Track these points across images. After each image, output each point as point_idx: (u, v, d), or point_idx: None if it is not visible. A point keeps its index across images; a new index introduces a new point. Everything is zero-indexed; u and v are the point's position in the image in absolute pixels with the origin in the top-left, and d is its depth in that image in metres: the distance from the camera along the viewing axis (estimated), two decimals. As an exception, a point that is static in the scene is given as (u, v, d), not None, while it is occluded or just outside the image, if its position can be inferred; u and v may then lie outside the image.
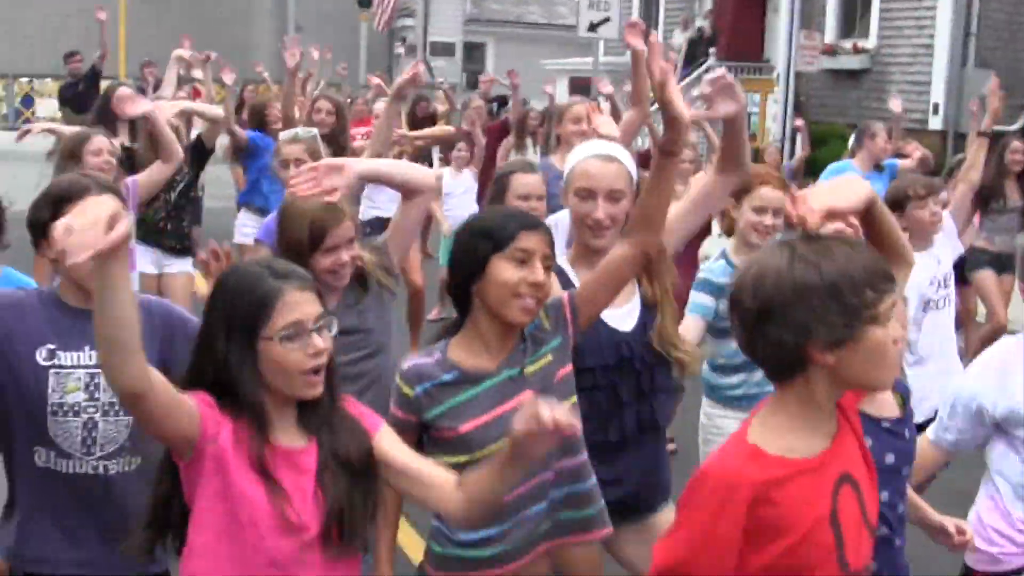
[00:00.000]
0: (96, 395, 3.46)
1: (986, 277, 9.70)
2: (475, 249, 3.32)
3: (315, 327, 2.87)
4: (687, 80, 25.14)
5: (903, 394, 3.53)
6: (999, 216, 9.73)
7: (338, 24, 33.69)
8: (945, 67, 21.15)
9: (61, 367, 3.44)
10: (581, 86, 30.28)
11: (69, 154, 6.37)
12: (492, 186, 5.39)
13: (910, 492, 3.66)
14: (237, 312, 2.87)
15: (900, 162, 9.91)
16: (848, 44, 23.25)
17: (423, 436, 3.42)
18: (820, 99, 24.10)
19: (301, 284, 2.90)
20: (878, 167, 9.67)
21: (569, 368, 3.50)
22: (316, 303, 2.91)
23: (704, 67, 24.91)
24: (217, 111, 8.40)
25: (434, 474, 2.95)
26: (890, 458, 3.41)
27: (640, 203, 3.50)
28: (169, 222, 8.02)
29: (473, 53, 40.23)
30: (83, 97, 15.32)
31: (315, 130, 7.11)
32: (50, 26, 34.44)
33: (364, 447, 2.97)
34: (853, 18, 23.63)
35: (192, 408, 2.81)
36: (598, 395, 3.77)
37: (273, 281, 2.87)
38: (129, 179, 6.58)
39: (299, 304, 2.86)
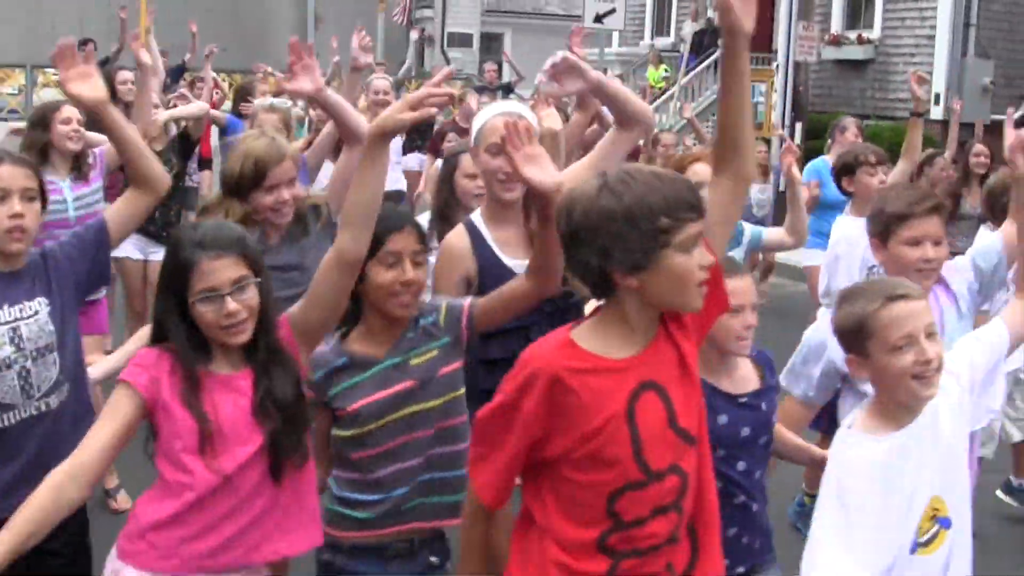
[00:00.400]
0: (22, 345, 3.79)
1: None
2: None
3: (230, 291, 3.27)
4: (697, 69, 25.57)
5: (764, 365, 3.91)
6: (961, 221, 9.81)
7: (357, 14, 34.07)
8: (946, 58, 21.39)
9: None
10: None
11: (39, 120, 6.70)
12: (442, 167, 5.67)
13: (791, 435, 4.06)
14: (167, 274, 3.35)
15: None
16: (853, 35, 23.55)
17: None
18: (826, 89, 24.41)
19: (219, 252, 3.29)
20: None
21: (457, 366, 3.78)
22: (234, 267, 3.29)
23: (712, 57, 25.30)
24: (197, 109, 8.64)
25: None
26: (746, 431, 3.77)
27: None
28: (156, 210, 8.38)
29: (491, 44, 40.63)
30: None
31: (290, 101, 7.56)
32: (72, 17, 34.93)
33: (296, 379, 3.43)
34: (859, 9, 23.92)
35: (133, 394, 3.30)
36: None
37: (192, 250, 3.29)
38: (98, 148, 6.91)
39: (214, 271, 3.27)
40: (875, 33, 23.19)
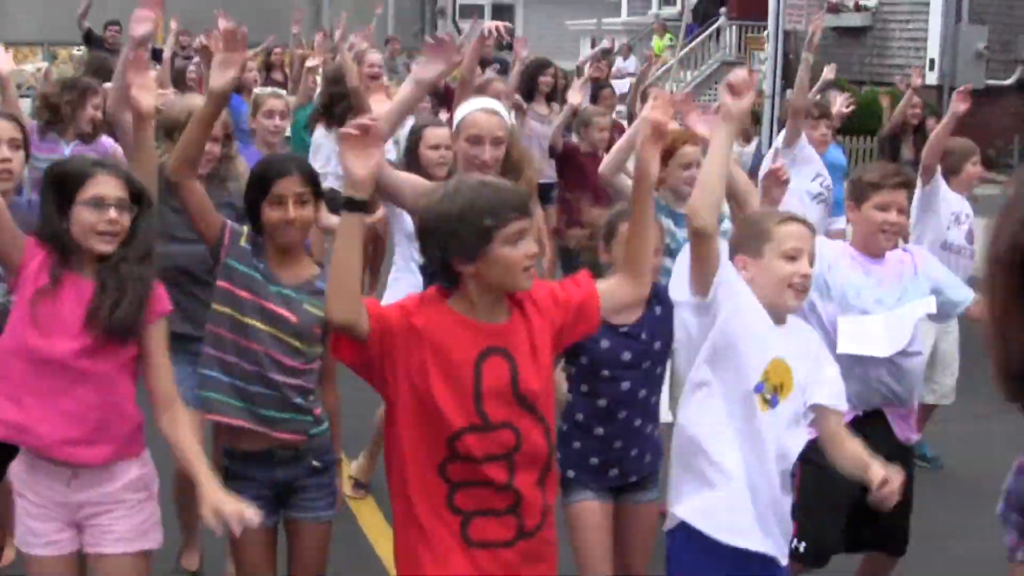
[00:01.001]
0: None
1: None
2: (251, 200, 4.22)
3: (113, 204, 3.85)
4: (700, 37, 26.05)
5: (654, 296, 4.43)
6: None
7: (369, -13, 34.41)
8: (940, 24, 21.78)
9: None
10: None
11: (72, 88, 7.22)
12: (408, 138, 6.16)
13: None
14: (60, 178, 3.93)
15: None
16: (851, 2, 23.96)
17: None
18: (825, 55, 24.80)
19: (112, 172, 3.92)
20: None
21: None
22: (121, 189, 3.89)
23: (714, 26, 25.78)
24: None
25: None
26: (627, 355, 4.41)
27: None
28: None
29: (502, 15, 41.02)
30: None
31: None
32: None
33: (133, 316, 3.88)
34: (856, -24, 24.37)
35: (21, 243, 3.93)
36: None
37: (90, 165, 3.94)
38: (107, 140, 7.22)
39: (105, 183, 3.87)
40: (872, 0, 23.57)
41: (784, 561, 4.08)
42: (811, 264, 4.01)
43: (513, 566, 3.52)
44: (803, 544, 4.90)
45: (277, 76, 15.46)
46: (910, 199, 5.19)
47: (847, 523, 4.97)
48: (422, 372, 3.41)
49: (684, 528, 4.02)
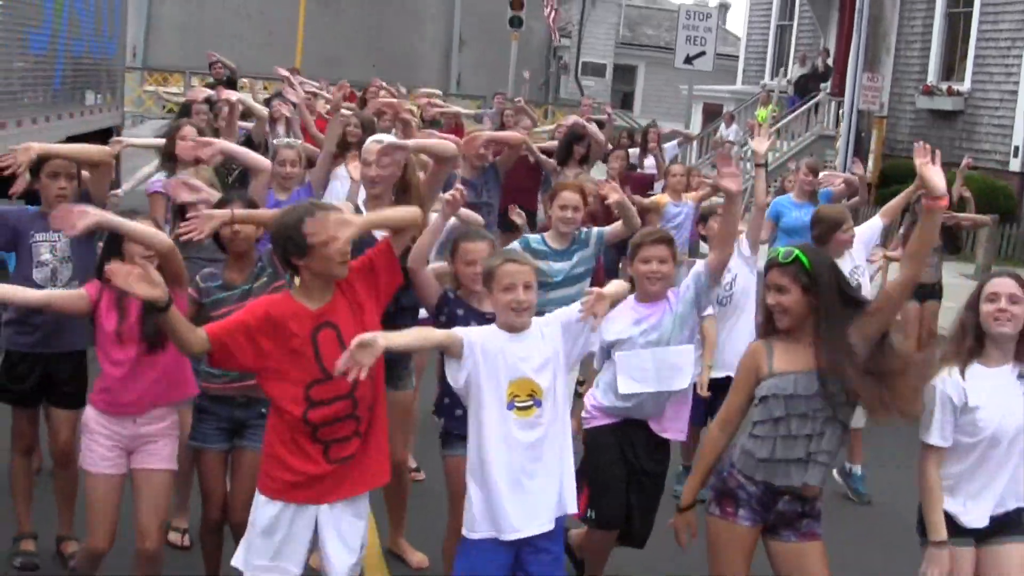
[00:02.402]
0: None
1: (908, 307, 10.75)
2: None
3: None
4: (800, 109, 27.03)
5: None
6: None
7: (496, 39, 35.84)
8: (1026, 112, 22.49)
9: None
10: (712, 111, 32.34)
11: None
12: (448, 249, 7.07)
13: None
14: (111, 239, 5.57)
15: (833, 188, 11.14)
16: (944, 86, 24.73)
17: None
18: (918, 136, 25.64)
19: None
20: (812, 197, 10.83)
21: (277, 284, 5.73)
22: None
23: (814, 100, 26.75)
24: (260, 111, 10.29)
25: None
26: None
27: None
28: None
29: (624, 75, 42.35)
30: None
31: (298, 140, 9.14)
32: (227, 26, 37.54)
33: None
34: (953, 62, 25.11)
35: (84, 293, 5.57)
36: None
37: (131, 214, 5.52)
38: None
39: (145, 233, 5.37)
40: (965, 86, 24.32)
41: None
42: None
43: (354, 468, 4.92)
44: (593, 512, 6.18)
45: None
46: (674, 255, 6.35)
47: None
48: (277, 351, 4.81)
49: None
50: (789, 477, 5.04)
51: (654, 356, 6.02)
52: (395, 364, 6.25)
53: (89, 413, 5.62)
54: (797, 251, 5.11)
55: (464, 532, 5.12)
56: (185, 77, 32.08)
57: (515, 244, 7.18)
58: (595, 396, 6.27)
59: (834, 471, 8.66)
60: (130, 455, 5.56)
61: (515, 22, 32.67)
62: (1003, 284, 5.22)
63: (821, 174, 11.28)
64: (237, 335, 4.75)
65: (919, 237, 5.19)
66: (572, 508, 5.22)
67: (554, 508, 5.14)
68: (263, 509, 4.91)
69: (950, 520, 5.24)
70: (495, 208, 10.12)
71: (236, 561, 5.03)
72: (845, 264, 8.31)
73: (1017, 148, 22.66)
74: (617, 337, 6.08)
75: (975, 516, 5.24)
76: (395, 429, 6.49)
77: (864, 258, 8.53)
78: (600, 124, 14.68)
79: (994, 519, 5.25)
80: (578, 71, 40.33)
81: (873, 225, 8.74)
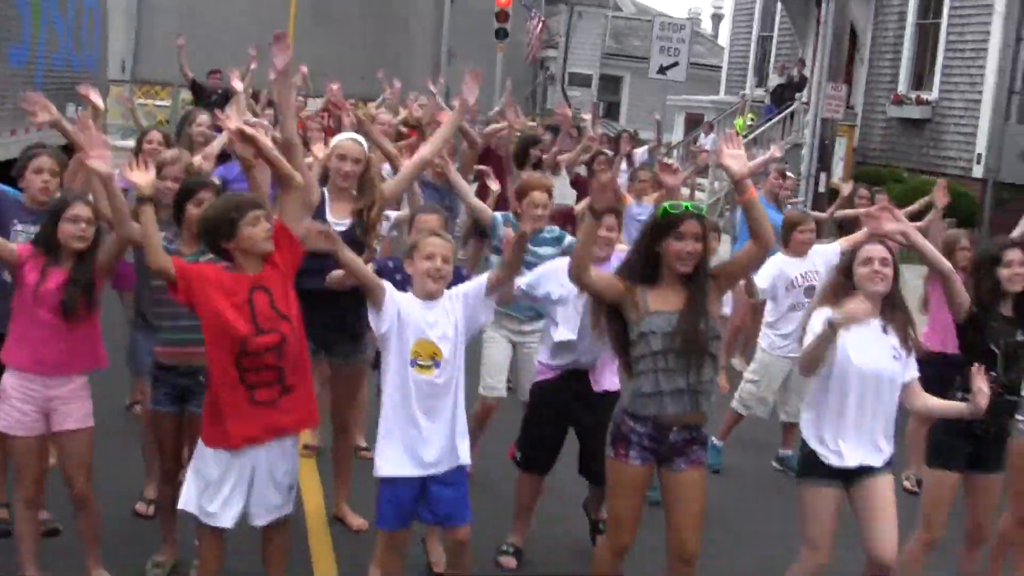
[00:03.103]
0: None
1: None
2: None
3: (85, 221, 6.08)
4: (775, 119, 27.62)
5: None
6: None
7: (485, 51, 36.43)
8: (989, 121, 23.08)
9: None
10: (694, 120, 32.94)
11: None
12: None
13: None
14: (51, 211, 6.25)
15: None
16: (913, 95, 25.36)
17: None
18: (889, 144, 26.29)
19: (83, 202, 6.16)
20: (777, 201, 12.17)
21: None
22: (86, 211, 6.11)
23: (790, 110, 27.34)
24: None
25: None
26: None
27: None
28: None
29: (609, 85, 42.93)
30: (209, 104, 16.17)
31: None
32: (219, 39, 38.11)
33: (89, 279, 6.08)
34: (923, 72, 25.74)
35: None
36: None
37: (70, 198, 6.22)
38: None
39: (80, 208, 6.10)
40: (933, 95, 24.95)
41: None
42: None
43: (281, 412, 5.65)
44: (520, 454, 7.09)
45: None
46: None
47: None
48: (222, 302, 5.52)
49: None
50: (677, 406, 5.71)
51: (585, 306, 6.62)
52: (351, 338, 7.12)
53: (6, 379, 6.17)
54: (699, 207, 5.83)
55: (378, 470, 5.91)
56: (174, 91, 32.63)
57: (497, 215, 8.16)
58: (541, 352, 7.16)
59: (772, 460, 9.63)
60: (47, 417, 6.17)
61: (500, 34, 33.32)
62: (876, 250, 6.05)
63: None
64: (197, 275, 5.52)
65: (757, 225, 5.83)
66: (466, 460, 5.96)
67: (448, 458, 5.90)
68: (204, 458, 5.66)
69: (819, 461, 6.01)
70: (457, 213, 10.70)
71: (186, 505, 5.75)
72: (803, 264, 9.09)
73: (980, 155, 23.30)
74: (559, 295, 6.85)
75: (846, 456, 5.97)
76: (348, 399, 7.41)
77: (822, 270, 9.11)
78: (580, 130, 15.58)
79: (864, 467, 5.98)
80: (564, 82, 40.92)
81: (834, 248, 9.29)
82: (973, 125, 23.63)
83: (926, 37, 25.69)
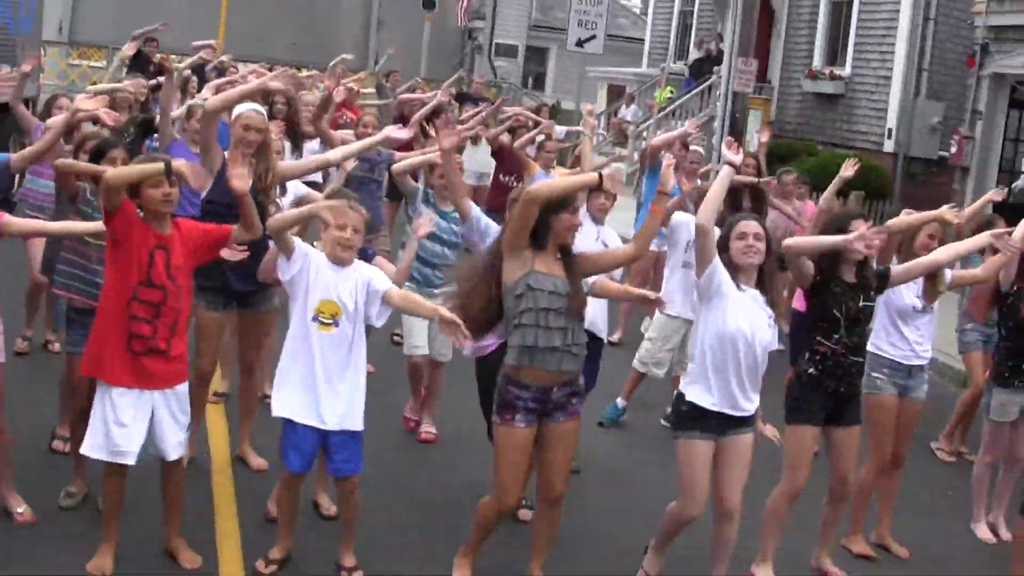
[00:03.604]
0: None
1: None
2: None
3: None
4: (693, 92, 28.36)
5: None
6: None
7: (414, 20, 36.86)
8: (899, 97, 23.92)
9: None
10: (616, 91, 33.63)
11: None
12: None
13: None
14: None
15: None
16: (827, 71, 26.11)
17: None
18: (804, 118, 27.05)
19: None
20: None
21: None
22: None
23: (707, 83, 28.06)
24: None
25: None
26: None
27: None
28: None
29: (536, 55, 43.55)
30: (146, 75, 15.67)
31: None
32: (153, 4, 38.27)
33: None
34: (836, 48, 26.50)
35: None
36: None
37: None
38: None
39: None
40: (846, 71, 25.71)
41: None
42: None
43: (152, 365, 6.36)
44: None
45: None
46: None
47: None
48: (129, 247, 6.24)
49: None
50: (549, 363, 6.36)
51: None
52: (258, 287, 7.76)
53: None
54: None
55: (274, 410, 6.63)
56: (108, 52, 32.88)
57: (419, 188, 8.98)
58: None
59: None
60: None
61: (428, 4, 33.85)
62: (749, 225, 6.63)
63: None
64: (130, 216, 6.24)
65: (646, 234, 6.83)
66: (360, 427, 6.63)
67: (346, 419, 6.55)
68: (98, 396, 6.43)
69: (692, 415, 6.63)
70: (383, 186, 11.30)
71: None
72: None
73: (891, 130, 24.06)
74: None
75: (723, 405, 6.60)
76: (255, 346, 8.16)
77: None
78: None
79: (736, 418, 6.63)
80: (491, 52, 41.45)
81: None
82: (884, 101, 24.35)
83: (839, 13, 26.39)
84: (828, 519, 7.59)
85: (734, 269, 6.57)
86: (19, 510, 6.97)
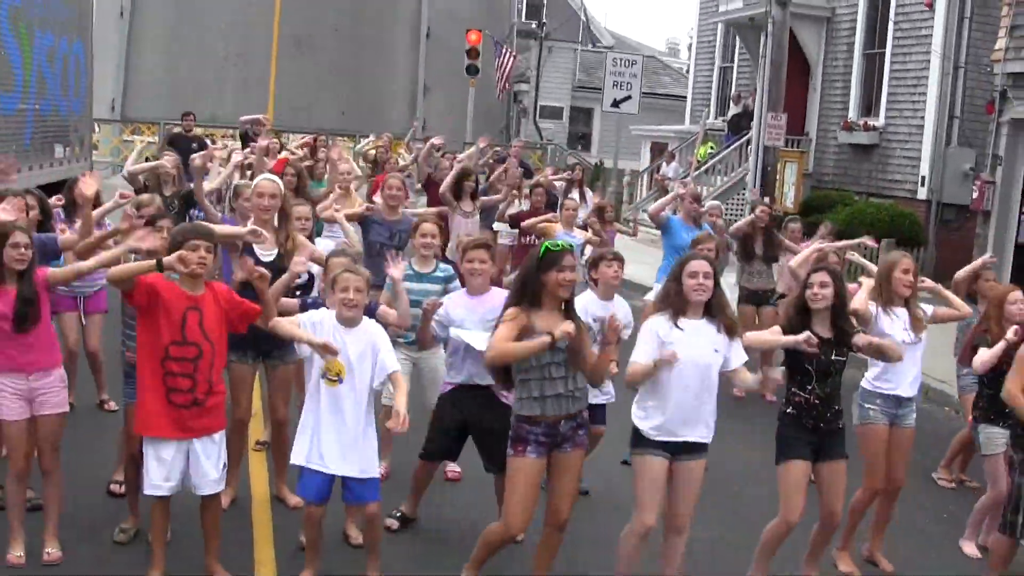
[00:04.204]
0: None
1: (744, 310, 13.50)
2: None
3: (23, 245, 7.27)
4: (732, 147, 28.90)
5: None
6: (751, 263, 13.72)
7: (460, 84, 37.65)
8: (931, 145, 24.35)
9: None
10: (659, 148, 34.22)
11: None
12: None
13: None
14: None
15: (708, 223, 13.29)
16: (861, 122, 26.60)
17: None
18: (841, 169, 27.54)
19: (18, 231, 7.32)
20: (696, 222, 13.21)
21: None
22: (24, 236, 7.29)
23: (744, 138, 28.59)
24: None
25: None
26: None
27: None
28: None
29: (580, 116, 44.25)
30: (185, 151, 16.29)
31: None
32: (204, 78, 39.36)
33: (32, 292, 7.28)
34: (871, 99, 26.99)
35: None
36: None
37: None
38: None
39: (17, 235, 7.28)
40: (880, 121, 26.20)
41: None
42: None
43: (192, 417, 7.03)
44: (423, 448, 8.41)
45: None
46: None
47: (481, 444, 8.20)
48: (157, 312, 6.87)
49: None
50: (558, 408, 6.95)
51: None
52: (281, 345, 8.23)
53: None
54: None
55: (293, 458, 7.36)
56: (160, 127, 33.89)
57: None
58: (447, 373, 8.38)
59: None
60: (31, 404, 7.44)
61: (471, 70, 34.74)
62: (700, 265, 7.18)
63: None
64: (150, 286, 6.84)
65: None
66: (374, 473, 7.34)
67: (357, 463, 7.23)
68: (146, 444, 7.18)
69: (648, 438, 7.16)
70: (404, 246, 11.79)
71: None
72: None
73: (924, 178, 24.51)
74: (460, 320, 8.07)
75: (662, 433, 7.12)
76: (282, 396, 8.80)
77: None
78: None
79: (689, 443, 7.15)
80: (536, 114, 42.22)
81: None
82: (917, 149, 24.85)
83: (872, 65, 26.92)
84: (816, 541, 8.01)
85: (684, 302, 7.13)
86: (48, 550, 7.59)
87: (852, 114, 27.31)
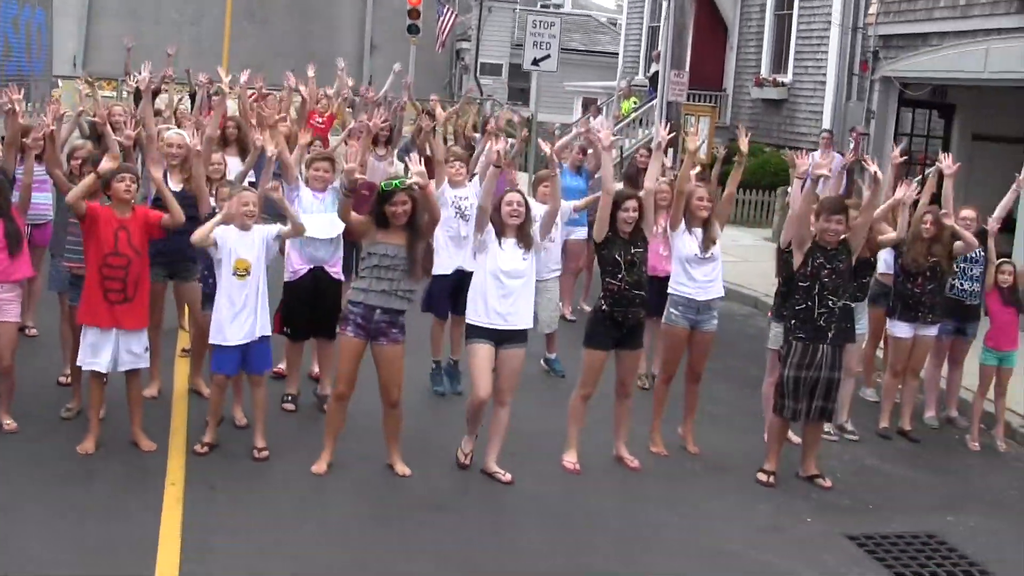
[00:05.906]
0: None
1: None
2: None
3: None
4: (652, 102, 30.75)
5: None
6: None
7: (405, 43, 39.19)
8: (832, 100, 26.25)
9: None
10: (590, 103, 36.04)
11: None
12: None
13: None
14: None
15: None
16: (771, 78, 28.53)
17: None
18: (755, 122, 29.45)
19: None
20: (578, 170, 15.00)
21: None
22: None
23: (666, 93, 30.41)
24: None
25: None
26: None
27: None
28: None
29: (519, 73, 45.92)
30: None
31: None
32: (161, 34, 40.85)
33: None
34: (779, 57, 28.95)
35: None
36: None
37: None
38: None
39: None
40: (788, 77, 28.16)
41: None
42: None
43: (122, 312, 9.01)
44: (287, 328, 10.52)
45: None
46: None
47: None
48: (97, 230, 8.79)
49: None
50: (384, 300, 8.70)
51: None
52: (188, 263, 10.30)
53: None
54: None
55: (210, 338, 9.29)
56: (118, 84, 35.37)
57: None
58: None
59: (541, 360, 12.44)
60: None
61: (412, 30, 36.27)
62: (514, 196, 9.09)
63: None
64: (94, 213, 8.76)
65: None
66: (267, 331, 9.24)
67: (253, 330, 9.16)
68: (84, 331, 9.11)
69: (479, 327, 9.02)
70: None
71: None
72: None
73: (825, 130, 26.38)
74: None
75: (487, 322, 8.98)
76: (191, 307, 10.73)
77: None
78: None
79: (508, 331, 8.99)
80: (477, 71, 43.94)
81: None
82: (819, 104, 26.72)
83: (782, 26, 28.83)
84: (619, 415, 9.82)
85: (502, 226, 8.93)
86: (7, 422, 9.49)
87: (764, 71, 29.21)
